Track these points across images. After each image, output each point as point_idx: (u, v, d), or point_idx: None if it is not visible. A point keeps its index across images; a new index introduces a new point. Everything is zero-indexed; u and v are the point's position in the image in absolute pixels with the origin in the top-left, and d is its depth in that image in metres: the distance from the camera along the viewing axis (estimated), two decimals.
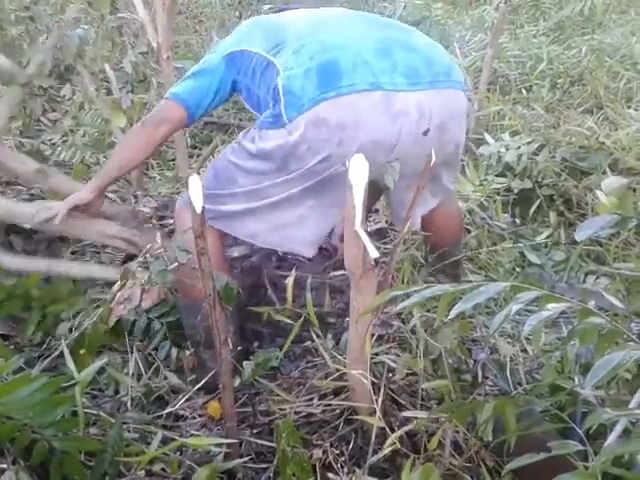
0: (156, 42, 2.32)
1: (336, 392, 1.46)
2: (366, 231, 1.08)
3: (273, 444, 1.37)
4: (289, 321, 1.56)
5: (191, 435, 1.43)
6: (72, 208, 1.69)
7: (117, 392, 1.55)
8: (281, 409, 1.47)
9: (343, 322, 1.80)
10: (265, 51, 1.51)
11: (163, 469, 1.27)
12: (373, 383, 1.29)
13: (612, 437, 0.89)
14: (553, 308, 0.92)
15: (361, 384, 1.28)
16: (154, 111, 1.65)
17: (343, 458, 1.30)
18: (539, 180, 2.48)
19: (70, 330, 1.63)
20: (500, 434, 1.12)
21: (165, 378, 1.62)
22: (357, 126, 1.40)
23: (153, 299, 1.71)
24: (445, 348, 1.41)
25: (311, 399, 1.48)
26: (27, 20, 3.01)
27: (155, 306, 1.71)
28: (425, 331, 1.46)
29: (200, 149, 3.19)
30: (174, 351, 1.67)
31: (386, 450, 1.21)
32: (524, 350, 1.67)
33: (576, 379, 1.30)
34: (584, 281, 2.03)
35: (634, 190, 2.25)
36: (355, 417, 1.36)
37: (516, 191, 2.48)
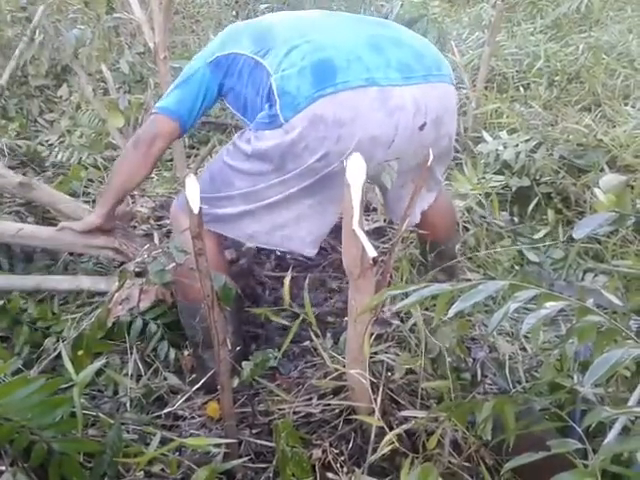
0: (153, 42, 2.31)
1: (335, 392, 1.46)
2: (364, 230, 1.08)
3: (272, 444, 1.37)
4: (286, 322, 1.56)
5: (190, 435, 1.43)
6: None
7: (116, 393, 1.55)
8: (280, 409, 1.47)
9: (342, 321, 1.80)
10: (253, 53, 1.50)
11: (162, 469, 1.28)
12: (372, 382, 1.29)
13: (611, 435, 0.89)
14: (552, 306, 0.92)
15: (360, 383, 1.28)
16: (145, 128, 1.62)
17: (342, 458, 1.30)
18: (537, 178, 2.48)
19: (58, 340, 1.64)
20: (499, 433, 1.12)
21: (164, 379, 1.62)
22: (354, 122, 1.40)
23: (151, 299, 1.71)
24: (444, 347, 1.41)
25: (310, 399, 1.48)
26: (24, 21, 3.01)
27: (153, 307, 1.71)
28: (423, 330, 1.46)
29: (198, 149, 3.18)
30: (173, 352, 1.67)
31: (385, 449, 1.21)
32: (523, 348, 1.67)
33: (575, 377, 1.30)
34: (582, 279, 2.03)
35: (632, 187, 2.25)
36: (354, 416, 1.36)
37: (514, 189, 2.48)
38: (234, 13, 4.96)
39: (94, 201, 2.43)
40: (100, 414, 1.34)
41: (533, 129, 2.75)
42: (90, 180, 2.63)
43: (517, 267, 2.16)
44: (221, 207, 1.52)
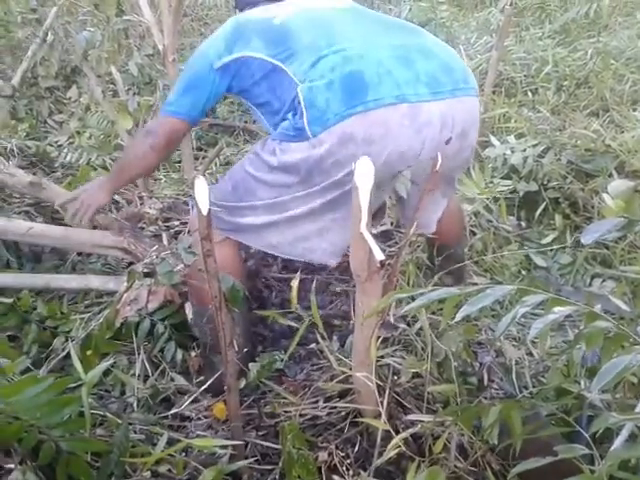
0: (162, 44, 2.33)
1: (341, 395, 1.47)
2: (372, 233, 1.08)
3: (279, 446, 1.38)
4: (293, 324, 1.57)
5: (197, 436, 1.44)
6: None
7: (123, 393, 1.56)
8: (286, 411, 1.47)
9: (348, 324, 1.80)
10: (269, 56, 1.46)
11: (169, 470, 1.28)
12: (378, 386, 1.29)
13: (618, 441, 0.89)
14: (559, 311, 0.92)
15: (366, 387, 1.29)
16: (159, 131, 1.60)
17: (348, 461, 1.31)
18: (545, 183, 2.48)
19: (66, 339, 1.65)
20: (506, 437, 1.12)
21: (171, 379, 1.63)
22: (384, 140, 1.38)
23: (160, 300, 1.71)
24: (450, 351, 1.40)
25: (316, 401, 1.49)
26: (34, 22, 3.03)
27: (161, 308, 1.72)
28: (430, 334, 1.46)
29: (206, 151, 3.20)
30: (180, 353, 1.67)
31: (391, 453, 1.21)
32: (530, 353, 1.67)
33: (582, 383, 1.30)
34: (590, 284, 2.03)
35: None
36: (360, 419, 1.36)
37: (522, 194, 2.47)
38: None
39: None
40: (108, 414, 1.34)
41: (541, 134, 2.75)
42: None
43: (524, 272, 2.15)
44: (244, 216, 1.51)
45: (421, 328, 1.58)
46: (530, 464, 0.91)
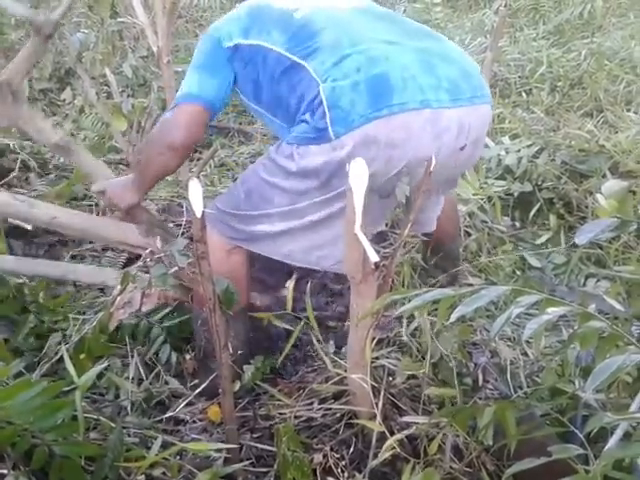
0: (156, 46, 2.32)
1: (336, 396, 1.46)
2: (366, 235, 1.08)
3: (273, 448, 1.37)
4: (288, 326, 1.56)
5: (191, 439, 1.43)
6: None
7: (117, 396, 1.55)
8: (281, 413, 1.47)
9: (343, 326, 1.80)
10: (288, 51, 1.42)
11: (163, 473, 1.27)
12: (373, 387, 1.29)
13: (613, 441, 0.89)
14: (553, 312, 0.92)
15: (361, 388, 1.28)
16: (179, 124, 1.50)
17: (343, 462, 1.30)
18: (539, 183, 2.49)
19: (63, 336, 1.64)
20: (501, 438, 1.12)
21: (165, 383, 1.62)
22: (406, 144, 1.37)
23: (153, 303, 1.71)
24: (445, 352, 1.41)
25: (311, 403, 1.48)
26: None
27: (155, 310, 1.71)
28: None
29: (200, 153, 3.19)
30: (174, 355, 1.66)
31: (386, 454, 1.21)
32: (524, 353, 1.67)
33: (577, 382, 1.30)
34: (584, 284, 2.03)
35: (634, 193, 2.25)
36: (355, 421, 1.36)
37: (516, 194, 2.48)
38: None
39: (97, 204, 2.44)
40: (101, 418, 1.34)
41: (535, 134, 2.76)
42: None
43: (519, 272, 2.15)
44: (257, 224, 1.47)
45: (416, 329, 1.58)
46: (525, 464, 0.91)
